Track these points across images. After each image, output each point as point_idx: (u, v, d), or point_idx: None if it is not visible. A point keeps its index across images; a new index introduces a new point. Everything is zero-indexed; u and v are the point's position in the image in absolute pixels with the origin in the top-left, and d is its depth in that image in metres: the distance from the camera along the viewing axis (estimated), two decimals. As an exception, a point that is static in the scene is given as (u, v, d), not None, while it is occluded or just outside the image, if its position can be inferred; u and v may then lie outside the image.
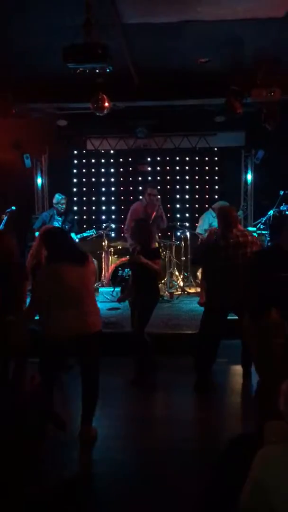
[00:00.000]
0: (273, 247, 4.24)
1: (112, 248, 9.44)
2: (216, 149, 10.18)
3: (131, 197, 10.45)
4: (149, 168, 10.47)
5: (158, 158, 10.46)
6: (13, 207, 7.99)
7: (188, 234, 9.48)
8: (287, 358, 4.00)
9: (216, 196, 10.20)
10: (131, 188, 10.52)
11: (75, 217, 9.41)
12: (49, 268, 4.20)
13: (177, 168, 10.46)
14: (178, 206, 10.42)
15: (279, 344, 3.95)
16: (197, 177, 10.44)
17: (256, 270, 4.16)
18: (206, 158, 10.37)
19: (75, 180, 10.58)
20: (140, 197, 10.26)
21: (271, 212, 8.10)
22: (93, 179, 10.57)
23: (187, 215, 10.34)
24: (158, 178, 10.30)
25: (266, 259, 4.21)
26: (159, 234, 9.02)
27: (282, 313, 3.96)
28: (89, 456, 4.04)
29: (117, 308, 7.74)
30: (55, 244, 4.21)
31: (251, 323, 4.09)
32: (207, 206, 9.96)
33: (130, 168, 10.50)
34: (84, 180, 10.59)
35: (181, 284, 9.24)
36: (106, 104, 7.42)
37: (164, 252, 9.11)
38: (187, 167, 10.44)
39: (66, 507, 3.37)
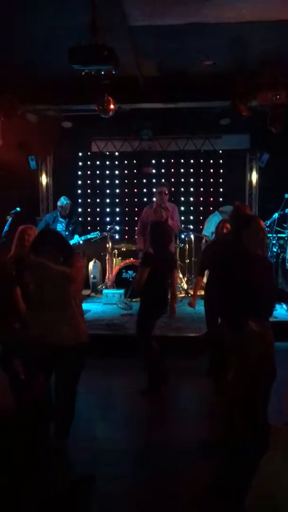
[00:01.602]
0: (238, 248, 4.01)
1: (116, 250, 9.45)
2: (221, 151, 10.16)
3: (136, 199, 10.45)
4: (154, 170, 10.44)
5: (163, 161, 10.44)
6: (18, 209, 7.99)
7: (192, 236, 9.46)
8: (268, 360, 3.94)
9: (221, 199, 10.18)
10: (135, 190, 10.50)
11: (79, 219, 9.42)
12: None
13: (182, 170, 10.43)
14: (182, 208, 10.37)
15: (257, 353, 3.88)
16: (201, 180, 10.41)
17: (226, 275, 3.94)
18: (211, 161, 10.34)
19: (79, 182, 10.57)
20: (145, 199, 10.31)
21: (276, 215, 8.07)
22: (98, 181, 10.56)
23: (191, 217, 10.31)
24: (163, 180, 10.24)
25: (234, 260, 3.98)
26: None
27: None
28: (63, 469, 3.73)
29: (131, 314, 7.59)
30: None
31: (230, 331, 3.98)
32: (211, 208, 9.94)
33: (135, 170, 10.48)
34: (88, 182, 10.58)
35: (185, 286, 9.22)
36: (111, 106, 7.44)
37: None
38: (191, 170, 10.41)
39: (68, 508, 3.36)
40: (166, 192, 7.75)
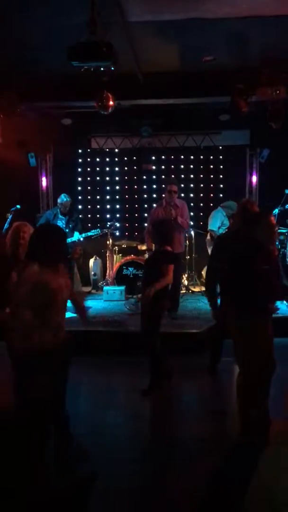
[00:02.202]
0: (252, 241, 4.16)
1: (116, 247, 9.45)
2: (220, 147, 10.15)
3: (136, 196, 10.46)
4: (154, 167, 10.45)
5: (163, 157, 10.43)
6: (18, 206, 7.99)
7: (192, 233, 9.45)
8: (270, 354, 4.01)
9: (221, 195, 10.17)
10: (135, 187, 10.50)
11: (79, 216, 9.41)
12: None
13: (182, 167, 10.43)
14: (182, 205, 10.39)
15: (265, 341, 3.96)
16: (201, 176, 10.41)
17: (240, 264, 4.09)
18: (211, 157, 10.33)
19: (79, 179, 10.57)
20: (145, 196, 10.29)
21: (276, 211, 8.07)
22: (98, 178, 10.56)
23: (191, 213, 10.27)
24: (163, 177, 10.28)
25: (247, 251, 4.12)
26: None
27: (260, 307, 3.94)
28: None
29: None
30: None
31: (238, 319, 4.05)
32: (211, 204, 9.93)
33: (135, 167, 10.49)
34: (88, 179, 10.58)
35: (186, 283, 9.22)
36: (111, 102, 7.42)
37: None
38: (191, 166, 10.41)
39: (68, 508, 3.37)
40: (176, 190, 7.49)
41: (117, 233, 9.98)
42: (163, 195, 7.68)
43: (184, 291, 9.00)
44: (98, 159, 10.50)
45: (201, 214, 10.10)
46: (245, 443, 3.48)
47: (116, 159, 10.47)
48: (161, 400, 5.25)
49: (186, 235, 9.40)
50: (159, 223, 5.69)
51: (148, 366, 5.27)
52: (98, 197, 10.59)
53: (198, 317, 7.33)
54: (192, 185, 10.42)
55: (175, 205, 7.44)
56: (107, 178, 10.54)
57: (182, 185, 10.38)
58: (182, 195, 10.28)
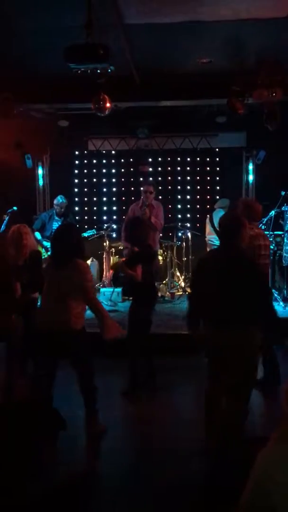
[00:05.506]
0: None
1: (113, 249, 9.44)
2: (217, 149, 10.16)
3: (132, 198, 10.42)
4: (150, 169, 10.45)
5: (159, 159, 10.45)
6: (14, 208, 7.98)
7: (189, 234, 9.46)
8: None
9: (218, 197, 10.16)
10: (132, 188, 10.50)
11: (76, 218, 9.41)
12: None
13: (178, 168, 10.44)
14: (179, 206, 10.40)
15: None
16: (198, 178, 10.42)
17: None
18: (207, 159, 10.35)
19: (76, 181, 10.57)
20: (141, 197, 10.28)
21: (272, 213, 8.07)
22: (95, 180, 10.56)
23: (188, 215, 10.32)
24: (159, 178, 10.30)
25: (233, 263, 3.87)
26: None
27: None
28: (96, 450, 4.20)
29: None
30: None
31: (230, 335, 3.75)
32: (208, 206, 9.94)
33: (131, 169, 10.49)
34: (85, 180, 10.57)
35: (182, 284, 9.23)
36: (108, 104, 7.41)
37: (165, 253, 9.10)
38: (188, 168, 10.42)
39: (66, 506, 3.37)
40: (152, 190, 7.61)
41: (114, 235, 9.98)
42: (141, 196, 7.74)
43: (180, 293, 9.01)
44: (94, 161, 10.50)
45: (198, 216, 10.11)
46: (237, 443, 3.49)
47: (113, 160, 10.48)
48: (157, 402, 5.25)
49: (183, 236, 9.44)
50: (129, 222, 5.78)
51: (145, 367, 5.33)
52: (94, 198, 10.59)
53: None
54: (188, 187, 10.43)
55: (151, 206, 7.55)
56: (104, 180, 10.55)
57: (179, 187, 10.42)
58: (179, 197, 10.34)
